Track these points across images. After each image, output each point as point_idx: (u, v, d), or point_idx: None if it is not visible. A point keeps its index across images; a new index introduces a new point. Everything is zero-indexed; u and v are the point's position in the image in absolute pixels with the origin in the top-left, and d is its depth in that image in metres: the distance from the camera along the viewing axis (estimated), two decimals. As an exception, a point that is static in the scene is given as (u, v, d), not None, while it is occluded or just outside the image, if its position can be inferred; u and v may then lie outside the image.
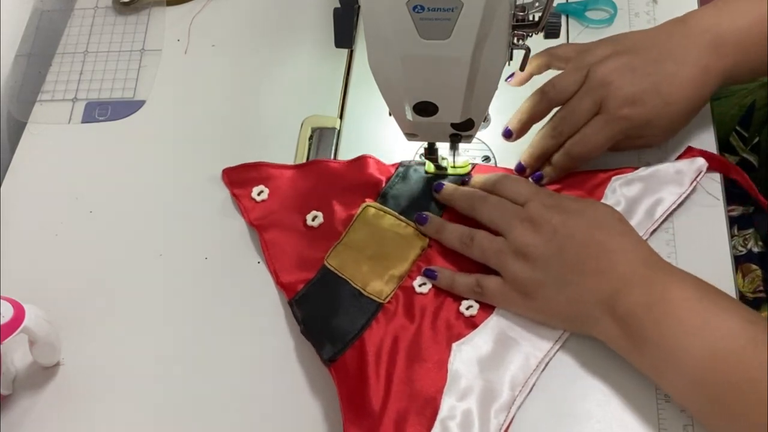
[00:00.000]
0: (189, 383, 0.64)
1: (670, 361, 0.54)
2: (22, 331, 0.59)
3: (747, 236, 0.76)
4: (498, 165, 0.71)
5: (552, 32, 0.59)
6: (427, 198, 0.68)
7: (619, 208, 0.64)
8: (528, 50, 0.60)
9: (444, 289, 0.64)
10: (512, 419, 0.58)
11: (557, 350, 0.61)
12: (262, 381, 0.63)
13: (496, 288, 0.62)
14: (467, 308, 0.63)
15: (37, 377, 0.65)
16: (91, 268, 0.70)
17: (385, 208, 0.68)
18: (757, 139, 0.80)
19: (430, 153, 0.68)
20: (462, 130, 0.62)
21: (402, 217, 0.67)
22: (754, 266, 0.74)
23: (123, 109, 0.79)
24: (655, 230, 0.65)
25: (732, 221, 0.66)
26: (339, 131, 0.75)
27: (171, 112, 0.79)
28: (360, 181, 0.70)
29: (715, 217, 0.66)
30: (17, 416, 0.63)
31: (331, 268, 0.65)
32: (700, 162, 0.66)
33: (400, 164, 0.70)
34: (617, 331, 0.57)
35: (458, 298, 0.64)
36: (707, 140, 0.69)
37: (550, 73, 0.69)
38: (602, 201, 0.66)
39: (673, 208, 0.65)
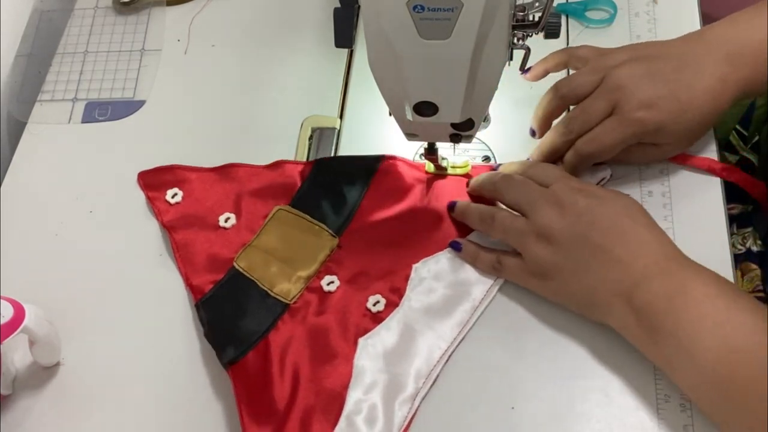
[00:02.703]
0: (188, 383, 0.64)
1: (685, 354, 0.54)
2: (22, 331, 0.59)
3: (746, 234, 0.76)
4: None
5: (552, 32, 0.59)
6: (340, 194, 0.69)
7: None
8: (528, 50, 0.60)
9: (468, 262, 0.65)
10: (416, 410, 0.59)
11: (460, 342, 0.62)
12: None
13: (515, 266, 0.62)
14: (374, 304, 0.64)
15: (37, 377, 0.65)
16: (91, 268, 0.70)
17: (297, 211, 0.68)
18: (756, 138, 0.80)
19: (430, 153, 0.68)
20: (462, 130, 0.62)
21: (314, 220, 0.68)
22: (753, 265, 0.74)
23: (123, 109, 0.79)
24: None
25: (731, 219, 0.66)
26: (339, 131, 0.75)
27: (171, 112, 0.79)
28: (275, 183, 0.70)
29: (715, 216, 0.66)
30: (17, 416, 0.63)
31: (240, 270, 0.66)
32: (606, 172, 0.67)
33: (315, 163, 0.71)
34: (633, 321, 0.57)
35: (365, 295, 0.64)
36: (707, 140, 0.69)
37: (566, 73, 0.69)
38: None
39: None
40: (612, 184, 0.68)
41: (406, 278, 0.65)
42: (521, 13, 0.57)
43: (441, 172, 0.70)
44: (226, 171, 0.72)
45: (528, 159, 0.69)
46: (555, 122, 0.68)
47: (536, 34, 0.58)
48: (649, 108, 0.62)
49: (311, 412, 0.59)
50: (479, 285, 0.64)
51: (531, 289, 0.63)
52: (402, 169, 0.70)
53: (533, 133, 0.70)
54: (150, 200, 0.72)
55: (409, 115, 0.59)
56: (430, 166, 0.70)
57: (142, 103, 0.80)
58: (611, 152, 0.65)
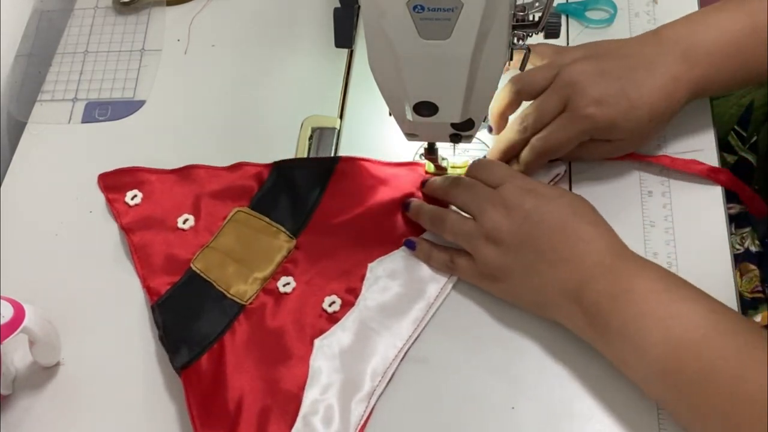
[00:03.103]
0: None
1: (634, 351, 0.55)
2: (22, 331, 0.59)
3: (744, 235, 0.76)
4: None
5: (552, 32, 0.59)
6: (298, 196, 0.69)
7: None
8: (528, 50, 0.60)
9: (422, 260, 0.65)
10: (372, 409, 0.60)
11: (415, 339, 0.62)
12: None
13: (467, 267, 0.63)
14: (330, 305, 0.64)
15: (37, 377, 0.65)
16: (90, 268, 0.70)
17: (256, 213, 0.68)
18: (755, 138, 0.81)
19: (430, 153, 0.68)
20: (462, 130, 0.62)
21: (272, 221, 0.68)
22: (752, 266, 0.75)
23: (123, 109, 0.79)
24: None
25: (730, 219, 0.66)
26: (339, 131, 0.75)
27: (171, 112, 0.79)
28: (234, 185, 0.70)
29: (715, 216, 0.66)
30: (17, 416, 0.63)
31: (197, 271, 0.66)
32: (561, 168, 0.68)
33: (274, 165, 0.71)
34: (582, 320, 0.57)
35: (321, 296, 0.65)
36: (707, 140, 0.69)
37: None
38: None
39: None
40: (612, 185, 0.68)
41: (362, 278, 0.65)
42: (521, 13, 0.57)
43: (441, 173, 0.70)
44: (186, 172, 0.72)
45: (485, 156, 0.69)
46: (511, 118, 0.68)
47: (536, 34, 0.58)
48: (600, 105, 0.62)
49: (268, 413, 0.59)
50: (433, 283, 0.64)
51: (484, 289, 0.63)
52: (358, 169, 0.70)
53: (490, 130, 0.71)
54: (109, 202, 0.72)
55: (409, 115, 0.59)
56: (430, 166, 0.70)
57: (142, 103, 0.80)
58: (565, 148, 0.65)
